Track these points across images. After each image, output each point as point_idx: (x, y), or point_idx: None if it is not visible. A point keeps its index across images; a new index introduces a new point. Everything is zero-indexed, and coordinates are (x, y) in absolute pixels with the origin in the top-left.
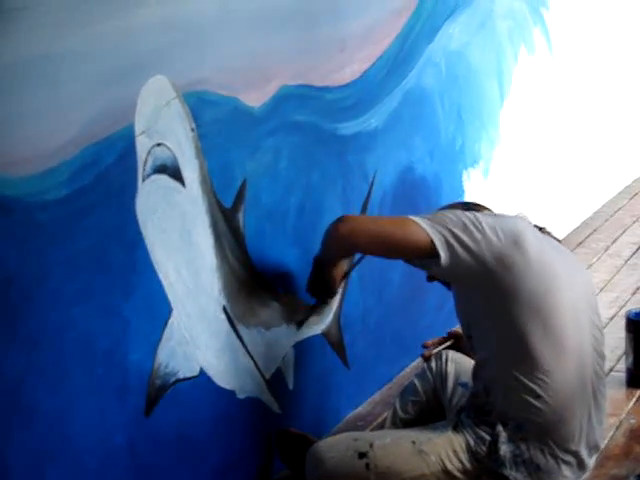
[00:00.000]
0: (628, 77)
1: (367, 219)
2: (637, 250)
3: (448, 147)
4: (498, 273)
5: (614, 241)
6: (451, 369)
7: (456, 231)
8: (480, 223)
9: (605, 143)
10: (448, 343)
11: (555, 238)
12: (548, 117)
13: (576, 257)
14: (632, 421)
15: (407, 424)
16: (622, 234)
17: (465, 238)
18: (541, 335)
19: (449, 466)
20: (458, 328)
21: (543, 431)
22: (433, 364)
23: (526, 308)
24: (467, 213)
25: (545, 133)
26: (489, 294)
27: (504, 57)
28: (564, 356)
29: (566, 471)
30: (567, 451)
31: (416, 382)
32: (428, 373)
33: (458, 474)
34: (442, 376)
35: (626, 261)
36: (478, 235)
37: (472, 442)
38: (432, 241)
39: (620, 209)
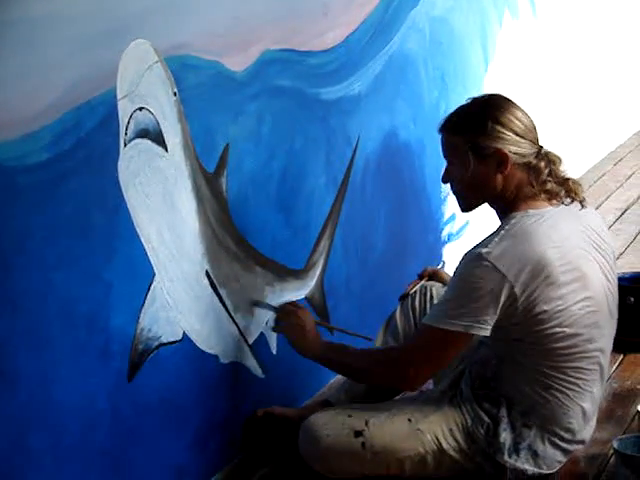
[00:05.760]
0: (612, 41)
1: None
2: (621, 215)
3: (432, 112)
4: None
5: (598, 207)
6: None
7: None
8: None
9: (589, 109)
10: (423, 282)
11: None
12: (532, 82)
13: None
14: (614, 385)
15: None
16: (606, 200)
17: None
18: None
19: (444, 445)
20: (432, 267)
21: (550, 421)
22: (417, 302)
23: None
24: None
25: (528, 98)
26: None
27: (488, 22)
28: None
29: (561, 457)
30: (568, 441)
31: (398, 319)
32: (410, 313)
33: (453, 453)
34: None
35: (610, 227)
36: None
37: (469, 422)
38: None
39: (604, 175)
